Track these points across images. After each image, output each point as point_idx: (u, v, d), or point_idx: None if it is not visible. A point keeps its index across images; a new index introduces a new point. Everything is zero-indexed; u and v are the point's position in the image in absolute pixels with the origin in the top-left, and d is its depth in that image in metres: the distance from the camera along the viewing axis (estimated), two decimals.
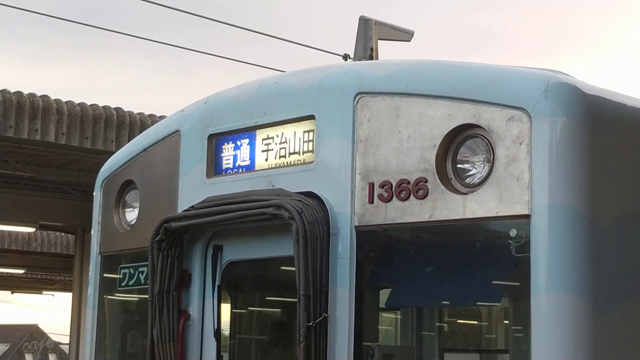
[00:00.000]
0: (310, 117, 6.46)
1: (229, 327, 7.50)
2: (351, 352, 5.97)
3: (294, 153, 6.59)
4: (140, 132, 10.34)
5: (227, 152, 7.02)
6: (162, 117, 15.56)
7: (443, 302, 7.25)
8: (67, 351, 35.47)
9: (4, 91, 15.47)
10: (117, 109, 16.56)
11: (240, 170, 6.91)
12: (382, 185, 5.98)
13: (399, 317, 7.82)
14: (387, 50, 8.79)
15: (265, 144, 6.77)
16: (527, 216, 5.32)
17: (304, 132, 6.53)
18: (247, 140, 6.89)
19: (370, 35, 7.83)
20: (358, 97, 6.19)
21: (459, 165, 5.75)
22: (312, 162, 6.42)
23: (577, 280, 5.20)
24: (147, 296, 6.96)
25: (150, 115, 16.79)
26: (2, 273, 36.40)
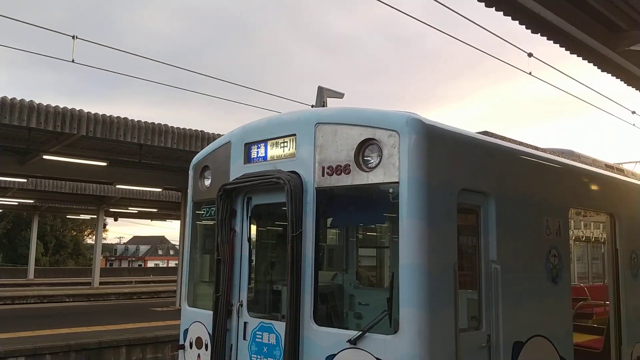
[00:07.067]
0: (294, 135, 6.42)
1: (254, 237, 7.43)
2: (313, 249, 5.97)
3: (286, 151, 6.51)
4: (210, 143, 10.23)
5: (254, 151, 6.92)
6: (218, 135, 15.53)
7: (358, 223, 7.28)
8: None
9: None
10: (201, 131, 16.38)
11: (260, 160, 6.81)
12: (328, 168, 5.96)
13: (337, 231, 7.83)
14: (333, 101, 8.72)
15: (272, 148, 6.69)
16: (397, 182, 5.32)
17: (291, 141, 6.47)
18: (263, 145, 6.80)
19: (323, 95, 7.83)
20: (317, 125, 6.14)
21: (365, 158, 5.72)
22: (295, 156, 6.36)
23: (420, 211, 5.19)
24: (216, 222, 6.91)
25: (217, 134, 16.65)
26: (151, 212, 36.77)
